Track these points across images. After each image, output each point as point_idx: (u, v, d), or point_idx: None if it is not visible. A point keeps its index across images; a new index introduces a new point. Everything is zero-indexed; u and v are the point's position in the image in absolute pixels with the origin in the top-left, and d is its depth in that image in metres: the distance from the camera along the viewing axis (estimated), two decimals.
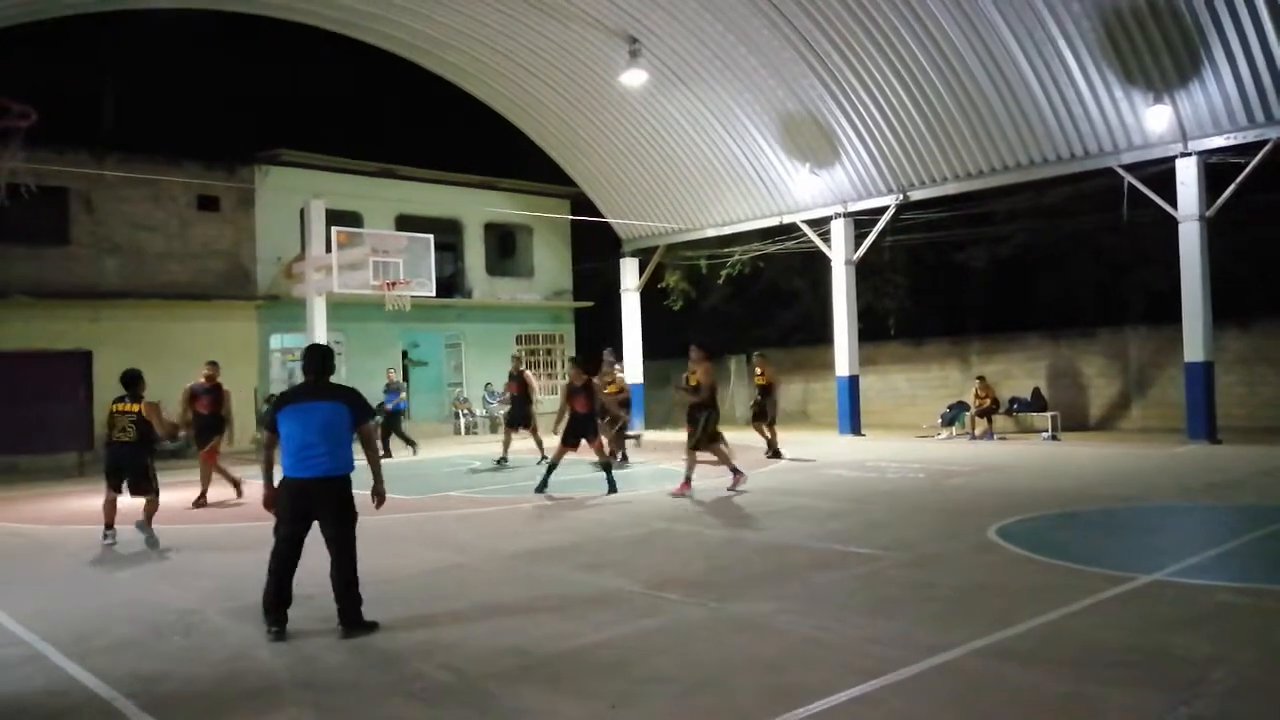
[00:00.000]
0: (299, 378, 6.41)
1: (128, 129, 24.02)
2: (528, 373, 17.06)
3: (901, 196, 19.43)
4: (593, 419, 12.58)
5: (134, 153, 20.43)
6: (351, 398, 5.98)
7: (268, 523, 5.85)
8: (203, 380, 12.71)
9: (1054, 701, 4.26)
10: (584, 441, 12.41)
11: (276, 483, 5.84)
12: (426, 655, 5.24)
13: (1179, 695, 4.24)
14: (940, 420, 20.07)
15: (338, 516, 5.75)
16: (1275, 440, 15.73)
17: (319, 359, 6.03)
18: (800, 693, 4.38)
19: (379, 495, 6.04)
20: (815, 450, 17.19)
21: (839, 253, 20.58)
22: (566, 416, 12.39)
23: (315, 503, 5.69)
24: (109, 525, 9.31)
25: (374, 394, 22.70)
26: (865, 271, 22.01)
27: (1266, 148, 14.85)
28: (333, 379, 6.07)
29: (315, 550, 5.86)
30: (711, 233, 23.38)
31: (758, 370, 16.90)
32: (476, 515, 10.81)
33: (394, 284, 17.96)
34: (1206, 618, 5.49)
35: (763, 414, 16.54)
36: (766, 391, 16.65)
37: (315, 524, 5.79)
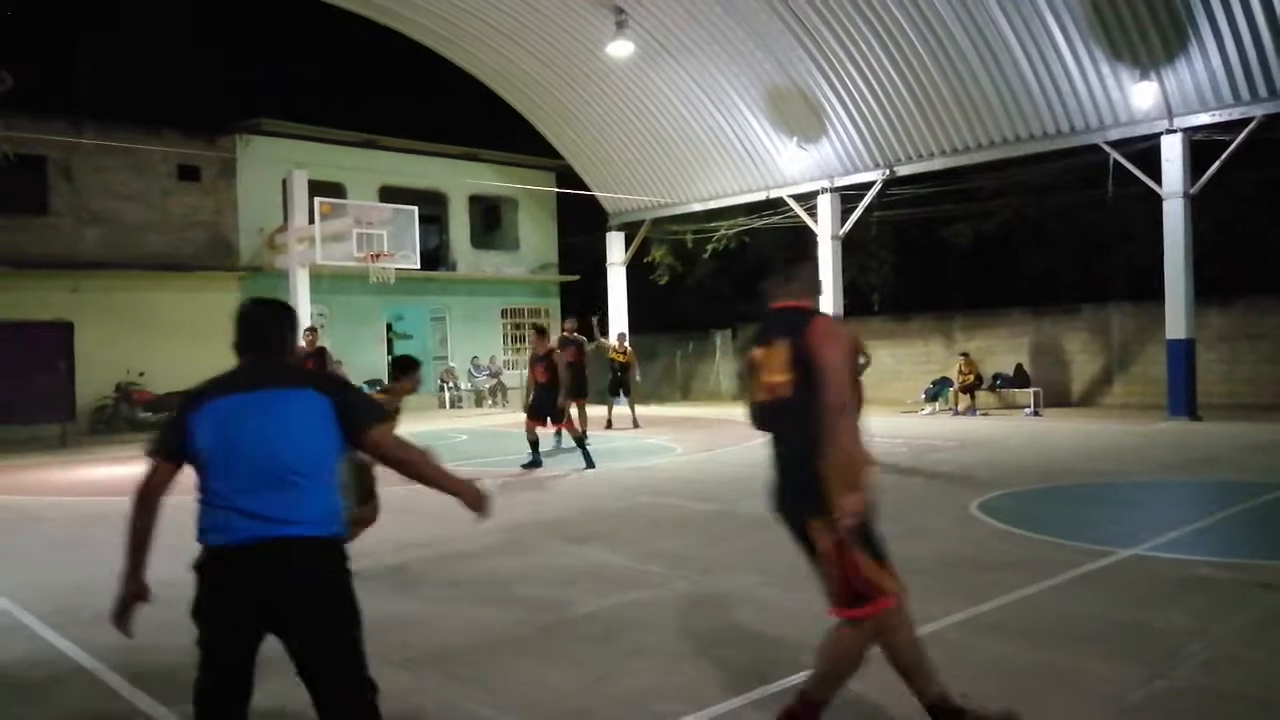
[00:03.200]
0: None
1: (106, 97, 23.68)
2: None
3: (888, 171, 19.41)
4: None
5: (113, 121, 20.18)
6: (336, 385, 3.14)
7: None
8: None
9: (1033, 673, 4.31)
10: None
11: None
12: (412, 626, 5.24)
13: (1157, 668, 4.30)
14: (924, 396, 20.16)
15: (333, 621, 2.87)
16: (1254, 417, 15.89)
17: (267, 322, 3.15)
18: (782, 664, 4.42)
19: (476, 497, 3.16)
20: None
21: (825, 228, 20.56)
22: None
23: (276, 597, 2.82)
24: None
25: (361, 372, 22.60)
26: (850, 247, 22.00)
27: (1251, 125, 14.91)
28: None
29: None
30: (698, 207, 23.32)
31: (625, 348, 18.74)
32: None
33: (378, 256, 17.84)
34: (1185, 591, 5.56)
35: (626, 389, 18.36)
36: (626, 368, 18.46)
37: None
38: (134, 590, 3.05)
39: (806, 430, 3.37)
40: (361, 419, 3.01)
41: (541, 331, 12.90)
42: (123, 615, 3.09)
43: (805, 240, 22.52)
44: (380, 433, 3.05)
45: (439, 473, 3.10)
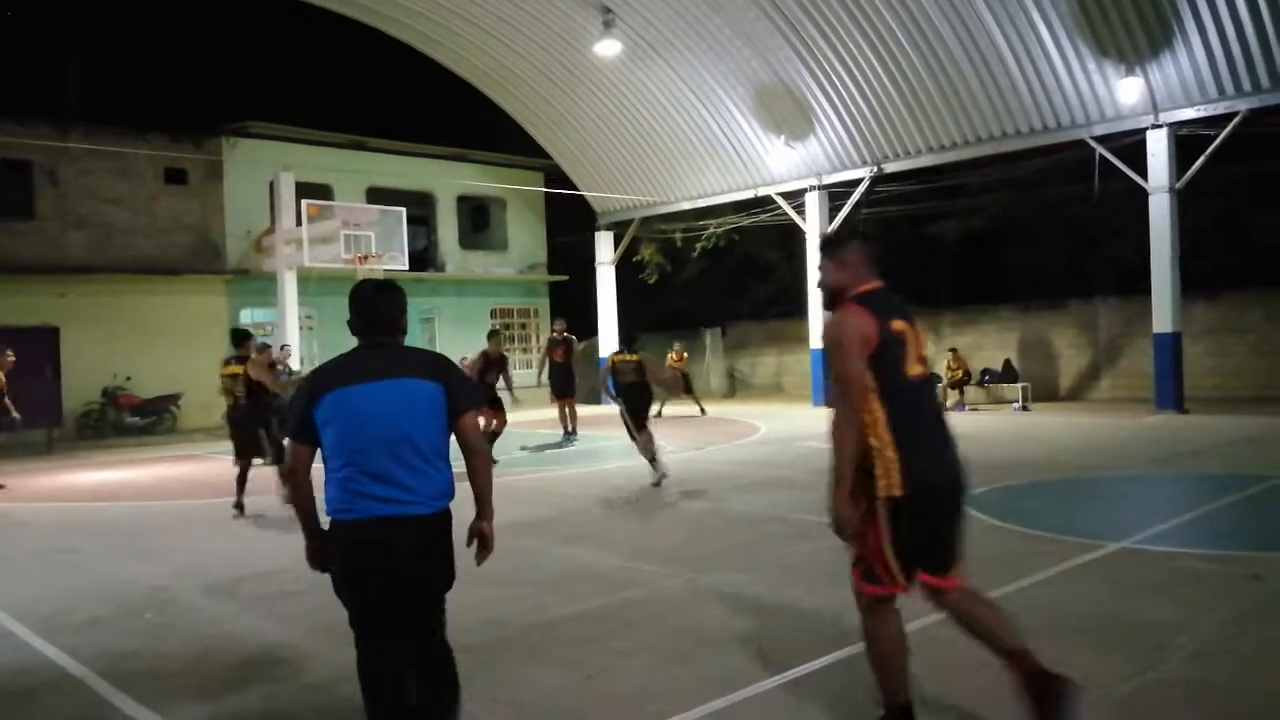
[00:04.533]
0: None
1: (92, 101, 23.60)
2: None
3: (876, 169, 19.44)
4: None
5: (99, 125, 20.08)
6: (448, 370, 3.44)
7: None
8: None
9: None
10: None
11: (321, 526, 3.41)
12: None
13: (1146, 660, 4.31)
14: None
15: (435, 585, 3.39)
16: (1241, 410, 15.96)
17: (389, 305, 3.44)
18: (775, 662, 4.42)
19: (481, 536, 3.50)
20: (789, 423, 17.25)
21: (813, 225, 20.59)
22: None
23: (390, 564, 3.22)
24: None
25: None
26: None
27: (1236, 119, 14.98)
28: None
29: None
30: (686, 205, 23.33)
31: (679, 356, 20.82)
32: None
33: (366, 257, 17.80)
34: (1173, 584, 5.58)
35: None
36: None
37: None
38: (314, 546, 3.39)
39: None
40: (462, 403, 3.38)
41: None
42: (314, 562, 3.42)
43: (793, 237, 22.58)
44: (472, 418, 3.44)
45: (487, 486, 3.47)
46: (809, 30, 17.85)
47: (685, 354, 21.69)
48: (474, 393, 3.49)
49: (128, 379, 19.60)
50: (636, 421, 10.49)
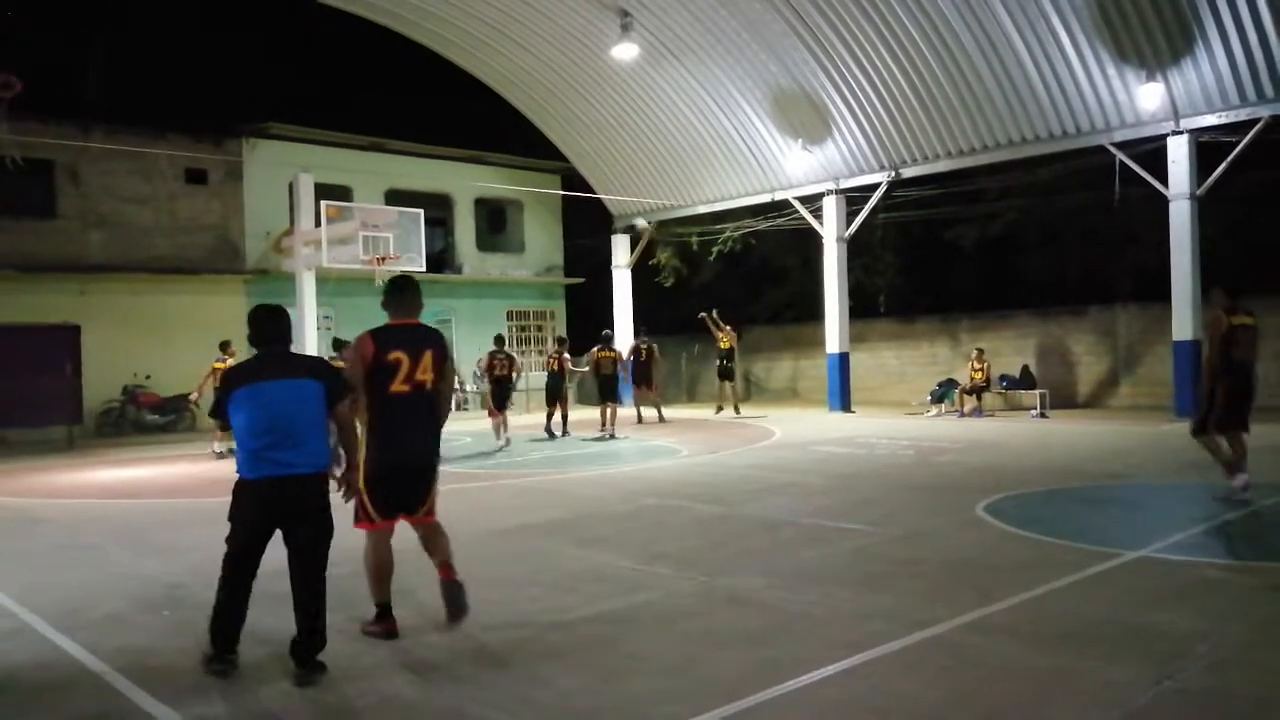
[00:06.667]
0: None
1: (114, 100, 23.75)
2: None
3: (894, 173, 19.39)
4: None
5: (120, 125, 20.24)
6: (326, 371, 4.95)
7: None
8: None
9: (1040, 675, 4.29)
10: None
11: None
12: (418, 630, 5.25)
13: (1164, 669, 4.28)
14: (929, 397, 20.13)
15: (320, 522, 4.70)
16: (1261, 419, 15.78)
17: (280, 323, 4.89)
18: (788, 667, 4.41)
19: (349, 485, 4.94)
20: (805, 427, 17.23)
21: (830, 230, 20.55)
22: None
23: (290, 508, 4.59)
24: None
25: None
26: (856, 249, 21.98)
27: (1258, 126, 14.87)
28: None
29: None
30: (703, 209, 23.33)
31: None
32: (467, 491, 10.82)
33: (384, 259, 17.87)
34: (1191, 593, 5.54)
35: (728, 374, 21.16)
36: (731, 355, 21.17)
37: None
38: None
39: (437, 410, 5.23)
40: (336, 395, 4.82)
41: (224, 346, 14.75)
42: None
43: (810, 242, 22.54)
44: (342, 405, 4.88)
45: (354, 450, 4.95)
46: (827, 34, 17.82)
47: (735, 332, 21.52)
48: (343, 388, 4.89)
49: (147, 377, 19.75)
50: (605, 397, 16.09)
